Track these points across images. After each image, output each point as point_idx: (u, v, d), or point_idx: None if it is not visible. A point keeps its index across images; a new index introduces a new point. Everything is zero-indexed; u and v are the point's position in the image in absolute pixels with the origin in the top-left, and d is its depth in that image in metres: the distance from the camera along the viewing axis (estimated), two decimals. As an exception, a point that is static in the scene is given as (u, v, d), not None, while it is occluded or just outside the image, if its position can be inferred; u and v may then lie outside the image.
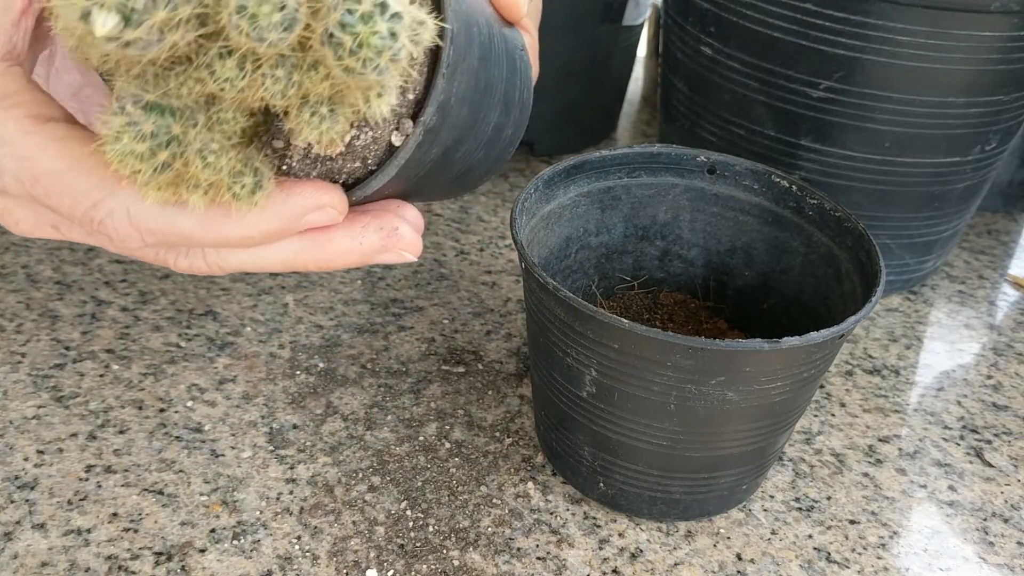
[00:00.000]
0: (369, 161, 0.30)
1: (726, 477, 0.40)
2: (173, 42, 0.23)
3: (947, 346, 0.58)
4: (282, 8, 0.23)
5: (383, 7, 0.23)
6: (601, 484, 0.42)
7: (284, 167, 0.29)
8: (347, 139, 0.28)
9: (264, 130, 0.29)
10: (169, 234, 0.28)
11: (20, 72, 0.28)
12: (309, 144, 0.28)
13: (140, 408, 0.46)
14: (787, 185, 0.46)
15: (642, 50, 0.93)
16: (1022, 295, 0.64)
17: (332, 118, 0.25)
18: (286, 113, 0.26)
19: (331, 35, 0.23)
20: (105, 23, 0.22)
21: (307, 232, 0.30)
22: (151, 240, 0.29)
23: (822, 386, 0.53)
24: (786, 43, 0.51)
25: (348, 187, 0.31)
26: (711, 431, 0.38)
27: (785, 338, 0.34)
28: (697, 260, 0.49)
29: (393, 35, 0.23)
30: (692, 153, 0.47)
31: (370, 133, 0.28)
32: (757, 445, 0.40)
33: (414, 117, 0.30)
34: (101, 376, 0.48)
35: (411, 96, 0.29)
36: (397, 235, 0.31)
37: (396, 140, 0.29)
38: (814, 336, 0.35)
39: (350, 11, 0.23)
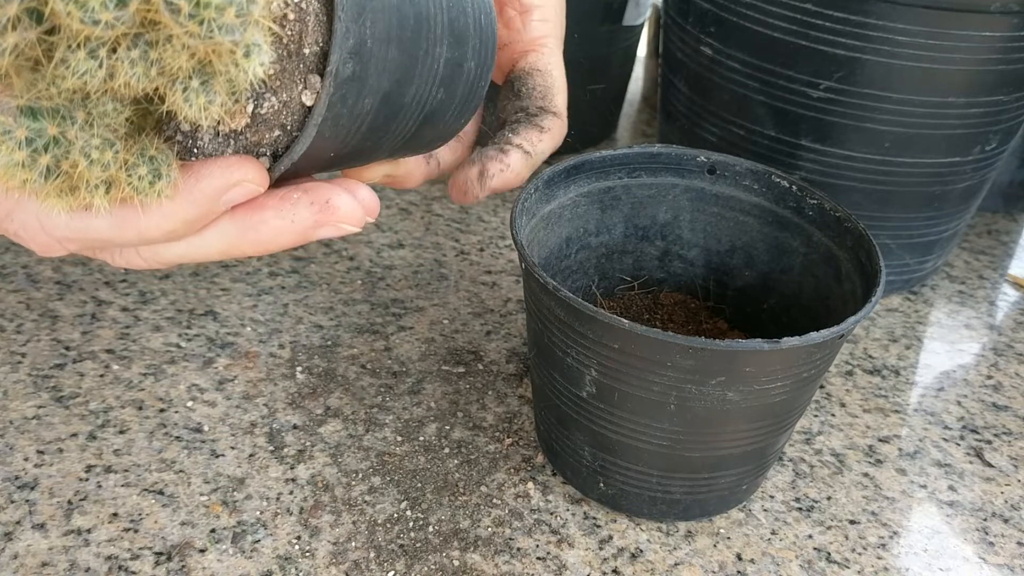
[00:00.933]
0: (289, 127, 0.28)
1: (726, 477, 0.40)
2: (14, 44, 0.22)
3: (947, 346, 0.58)
4: None
5: None
6: (601, 484, 0.42)
7: (196, 150, 0.28)
8: (249, 109, 0.26)
9: (166, 115, 0.27)
10: (87, 239, 0.27)
11: None
12: (173, 132, 0.27)
13: (140, 408, 0.46)
14: (787, 185, 0.46)
15: (642, 50, 0.93)
16: (1022, 295, 0.64)
17: (206, 91, 0.24)
18: (161, 98, 0.24)
19: (167, 1, 0.21)
20: None
21: (236, 215, 0.29)
22: (72, 247, 0.27)
23: (822, 386, 0.53)
24: (786, 43, 0.51)
25: (278, 159, 0.29)
26: (711, 431, 0.38)
27: (785, 338, 0.34)
28: (697, 260, 0.50)
29: None
30: (692, 153, 0.47)
31: (274, 98, 0.27)
32: (757, 445, 0.40)
33: (323, 71, 0.27)
34: (101, 376, 0.48)
35: (313, 49, 0.27)
36: (330, 207, 0.29)
37: (307, 99, 0.27)
38: (814, 336, 0.35)
39: None
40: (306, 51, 0.27)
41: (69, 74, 0.22)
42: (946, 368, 0.56)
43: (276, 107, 0.27)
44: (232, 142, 0.28)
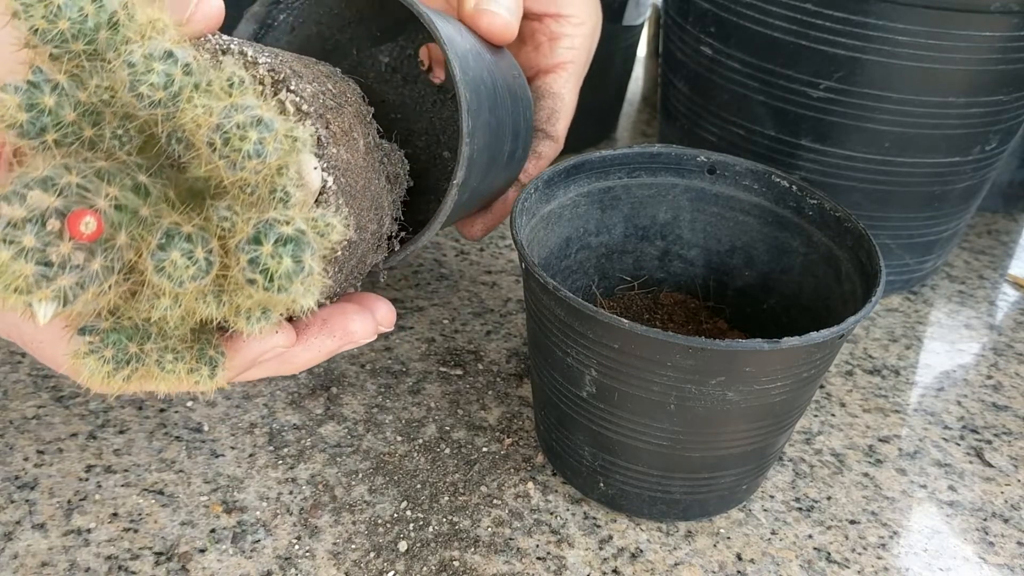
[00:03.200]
0: (330, 296, 0.34)
1: (726, 477, 0.40)
2: (108, 300, 0.26)
3: (947, 346, 0.58)
4: (194, 261, 0.26)
5: (285, 241, 0.26)
6: (601, 484, 0.42)
7: None
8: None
9: None
10: (143, 392, 0.32)
11: None
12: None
13: (140, 408, 0.46)
14: (787, 185, 0.46)
15: (642, 50, 0.93)
16: (1022, 295, 0.64)
17: (267, 318, 0.28)
18: (224, 319, 0.28)
19: (244, 274, 0.26)
20: (46, 314, 0.25)
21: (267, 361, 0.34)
22: (130, 394, 0.32)
23: (822, 386, 0.53)
24: (786, 43, 0.51)
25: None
26: (711, 431, 0.38)
27: (785, 338, 0.34)
28: (697, 260, 0.49)
29: (298, 260, 0.26)
30: (692, 153, 0.47)
31: (331, 273, 0.33)
32: (757, 445, 0.40)
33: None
34: (101, 376, 0.48)
35: (380, 223, 0.36)
36: (348, 334, 0.34)
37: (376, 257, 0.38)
38: (814, 336, 0.35)
39: (256, 253, 0.26)
40: (338, 252, 0.32)
41: (153, 312, 0.27)
42: (946, 368, 0.56)
43: (313, 308, 0.32)
44: None
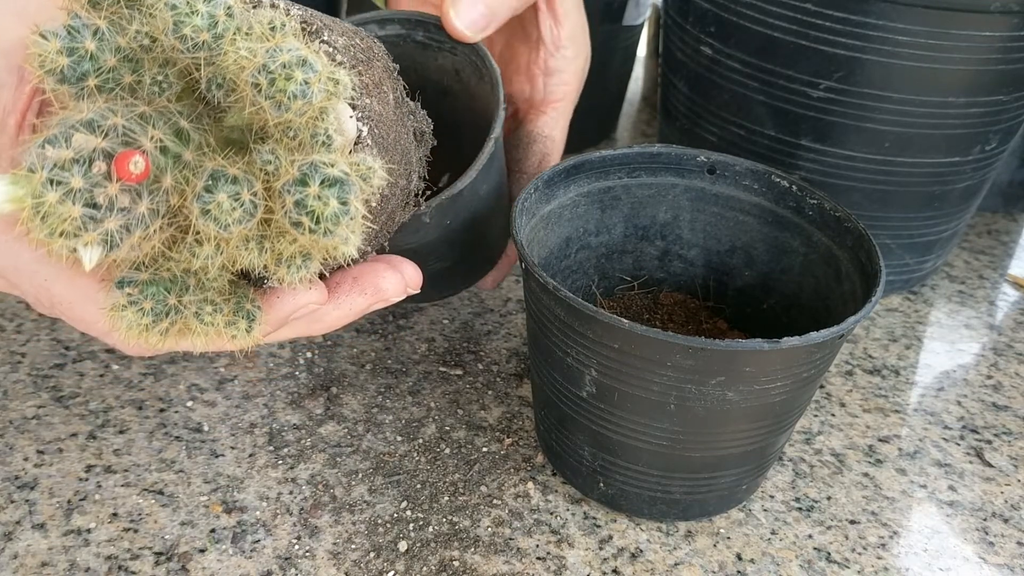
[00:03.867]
0: (376, 227, 0.34)
1: (726, 477, 0.40)
2: (152, 246, 0.26)
3: (947, 346, 0.58)
4: (240, 204, 0.25)
5: (331, 183, 0.26)
6: (601, 484, 0.42)
7: (269, 279, 0.32)
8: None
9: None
10: (176, 350, 0.32)
11: None
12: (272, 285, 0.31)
13: (140, 408, 0.46)
14: (787, 185, 0.46)
15: (642, 50, 0.92)
16: (1022, 295, 0.64)
17: (307, 266, 0.28)
18: (265, 268, 0.28)
19: (290, 216, 0.26)
20: (92, 258, 0.24)
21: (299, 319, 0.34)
22: (161, 353, 0.32)
23: (822, 386, 0.53)
24: (786, 43, 0.51)
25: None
26: (711, 431, 0.38)
27: (785, 338, 0.34)
28: (697, 260, 0.49)
29: (344, 203, 0.26)
30: (692, 153, 0.47)
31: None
32: (757, 445, 0.40)
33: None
34: (101, 376, 0.48)
35: (392, 203, 0.34)
36: (380, 291, 0.34)
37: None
38: (814, 336, 0.35)
39: (302, 194, 0.26)
40: (373, 203, 0.32)
41: (195, 260, 0.27)
42: (946, 368, 0.56)
43: (354, 256, 0.31)
44: None
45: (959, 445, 0.50)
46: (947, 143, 0.53)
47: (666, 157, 0.47)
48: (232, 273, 0.29)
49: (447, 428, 0.47)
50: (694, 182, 0.48)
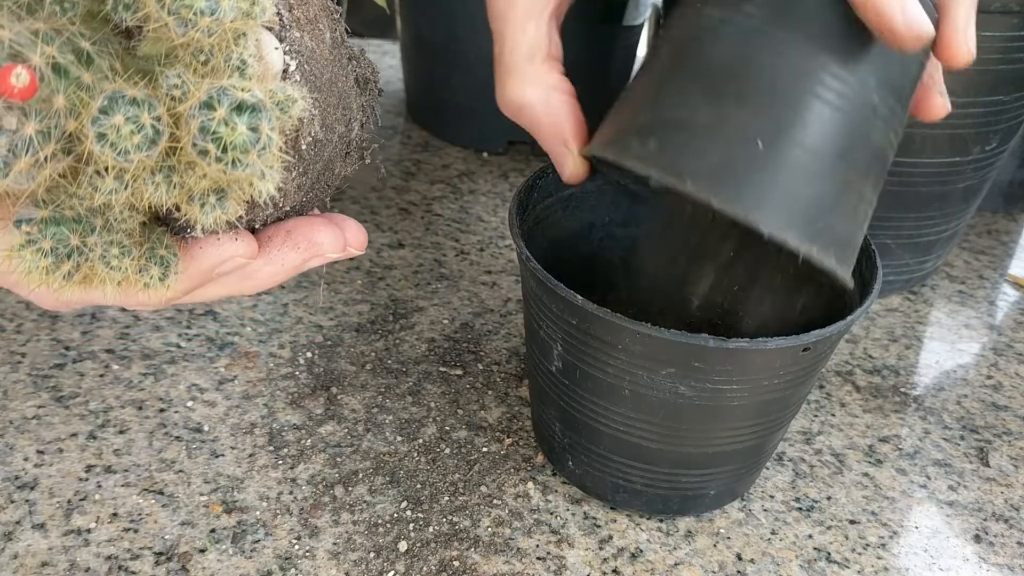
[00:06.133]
0: (281, 205, 0.31)
1: (687, 477, 0.40)
2: (45, 175, 0.24)
3: (947, 346, 0.58)
4: (140, 129, 0.23)
5: (240, 107, 0.24)
6: (570, 462, 0.42)
7: (191, 228, 0.30)
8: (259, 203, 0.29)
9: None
10: (91, 304, 0.30)
11: None
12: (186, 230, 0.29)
13: (140, 408, 0.46)
14: None
15: (642, 50, 0.92)
16: (1022, 295, 0.64)
17: (222, 205, 0.26)
18: (177, 207, 0.26)
19: (195, 144, 0.24)
20: None
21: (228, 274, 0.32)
22: (77, 307, 0.30)
23: (822, 386, 0.53)
24: (786, 43, 0.51)
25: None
26: (667, 424, 0.38)
27: (733, 339, 0.34)
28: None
29: (255, 130, 0.24)
30: None
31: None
32: (719, 449, 0.39)
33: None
34: (101, 376, 0.48)
35: (307, 140, 0.31)
36: (314, 245, 0.32)
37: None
38: (766, 341, 0.34)
39: (208, 118, 0.24)
40: (302, 146, 0.30)
41: (96, 194, 0.25)
42: (946, 368, 0.56)
43: (273, 197, 0.29)
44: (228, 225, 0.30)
45: (959, 445, 0.50)
46: (947, 143, 0.53)
47: None
48: (144, 215, 0.27)
49: (447, 428, 0.47)
50: None
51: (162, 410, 0.46)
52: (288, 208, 0.32)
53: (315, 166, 0.32)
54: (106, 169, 0.24)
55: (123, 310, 0.52)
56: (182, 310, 0.53)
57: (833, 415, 0.51)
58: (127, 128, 0.23)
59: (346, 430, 0.46)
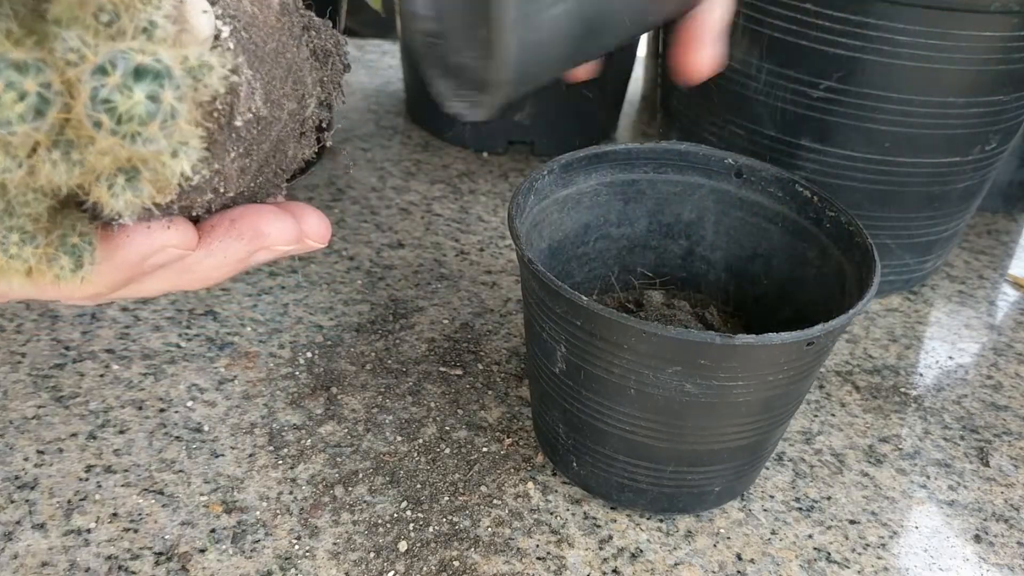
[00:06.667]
0: (222, 189, 0.28)
1: (693, 474, 0.40)
2: None
3: (947, 346, 0.58)
4: (23, 96, 0.21)
5: (139, 73, 0.21)
6: (574, 464, 0.42)
7: (118, 216, 0.27)
8: (175, 185, 0.25)
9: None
10: (10, 298, 0.27)
11: None
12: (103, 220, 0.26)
13: (140, 408, 0.46)
14: (809, 195, 0.45)
15: (642, 50, 0.92)
16: (1022, 295, 0.64)
17: (133, 187, 0.23)
18: (84, 190, 0.23)
19: (88, 114, 0.21)
20: None
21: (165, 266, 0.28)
22: (9, 301, 0.26)
23: (822, 386, 0.53)
24: (786, 43, 0.51)
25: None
26: (673, 422, 0.38)
27: (739, 335, 0.34)
28: (719, 263, 0.49)
29: (154, 98, 0.21)
30: (720, 155, 0.47)
31: (205, 171, 0.26)
32: (726, 445, 0.39)
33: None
34: (101, 376, 0.48)
35: (246, 116, 0.28)
36: (259, 235, 0.29)
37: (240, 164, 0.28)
38: (771, 337, 0.34)
39: (101, 84, 0.21)
40: (238, 122, 0.27)
41: None
42: (946, 368, 0.56)
43: (207, 176, 0.26)
44: (158, 210, 0.27)
45: (959, 445, 0.50)
46: (947, 143, 0.53)
47: (694, 156, 0.47)
48: (53, 198, 0.24)
49: (447, 428, 0.47)
50: (721, 184, 0.48)
51: (162, 410, 0.46)
52: (233, 194, 0.29)
53: (260, 147, 0.29)
54: None
55: (123, 310, 0.52)
56: (182, 310, 0.53)
57: (833, 415, 0.51)
58: (8, 95, 0.20)
59: (346, 430, 0.46)
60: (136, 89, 0.21)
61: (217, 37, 0.25)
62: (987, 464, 0.48)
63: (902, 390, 0.53)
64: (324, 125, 0.33)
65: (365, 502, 0.42)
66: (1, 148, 0.21)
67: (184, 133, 0.22)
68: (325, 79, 0.33)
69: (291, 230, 0.29)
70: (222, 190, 0.28)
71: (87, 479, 0.42)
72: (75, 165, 0.22)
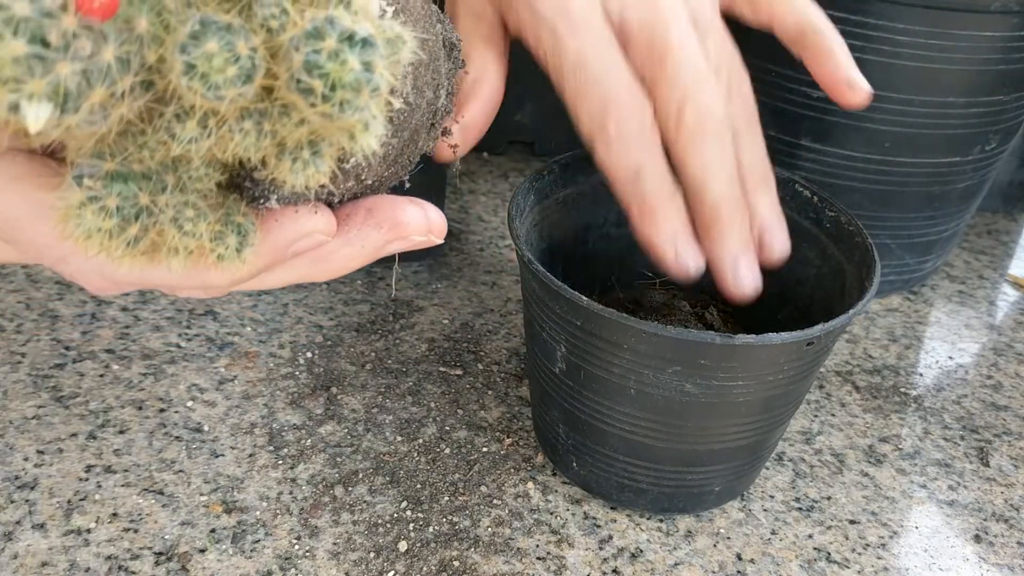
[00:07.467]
0: (363, 178, 0.28)
1: (693, 474, 0.40)
2: (120, 115, 0.20)
3: (947, 346, 0.58)
4: (236, 60, 0.20)
5: (351, 38, 0.20)
6: (574, 464, 0.42)
7: (264, 199, 0.26)
8: (361, 160, 0.26)
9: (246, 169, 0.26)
10: (148, 285, 0.26)
11: None
12: (264, 201, 0.26)
13: (140, 408, 0.46)
14: (809, 195, 0.45)
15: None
16: (1022, 295, 0.64)
17: (316, 161, 0.23)
18: (263, 163, 0.23)
19: (298, 80, 0.20)
20: (38, 117, 0.19)
21: (301, 256, 0.28)
22: (129, 289, 0.27)
23: (822, 386, 0.53)
24: (786, 43, 0.51)
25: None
26: (673, 422, 0.38)
27: (739, 335, 0.34)
28: None
29: (368, 67, 0.20)
30: None
31: (360, 156, 0.25)
32: (726, 445, 0.39)
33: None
34: (101, 376, 0.48)
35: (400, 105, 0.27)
36: (398, 225, 0.28)
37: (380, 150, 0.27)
38: (771, 337, 0.34)
39: (315, 50, 0.20)
40: (397, 104, 0.26)
41: (174, 142, 0.21)
42: (946, 368, 0.56)
43: (360, 163, 0.26)
44: (307, 194, 0.27)
45: (959, 445, 0.50)
46: (947, 143, 0.53)
47: None
48: (222, 173, 0.24)
49: (447, 428, 0.47)
50: None
51: (162, 410, 0.46)
52: (369, 182, 0.28)
53: (401, 134, 0.28)
54: (190, 110, 0.21)
55: (123, 309, 0.52)
56: (182, 310, 0.53)
57: (833, 415, 0.51)
58: (220, 58, 0.20)
59: (346, 430, 0.46)
60: (351, 56, 0.20)
61: (381, 17, 0.24)
62: (987, 464, 0.48)
63: (902, 390, 0.53)
64: (447, 110, 0.33)
65: (365, 502, 0.42)
66: (194, 117, 0.21)
67: (380, 106, 0.21)
68: (451, 71, 0.33)
69: (424, 220, 0.29)
70: (363, 177, 0.27)
71: (87, 479, 0.42)
72: (265, 136, 0.22)
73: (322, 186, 0.25)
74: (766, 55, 0.53)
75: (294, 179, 0.23)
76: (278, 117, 0.21)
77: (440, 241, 0.30)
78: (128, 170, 0.22)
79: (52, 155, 0.24)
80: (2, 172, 0.24)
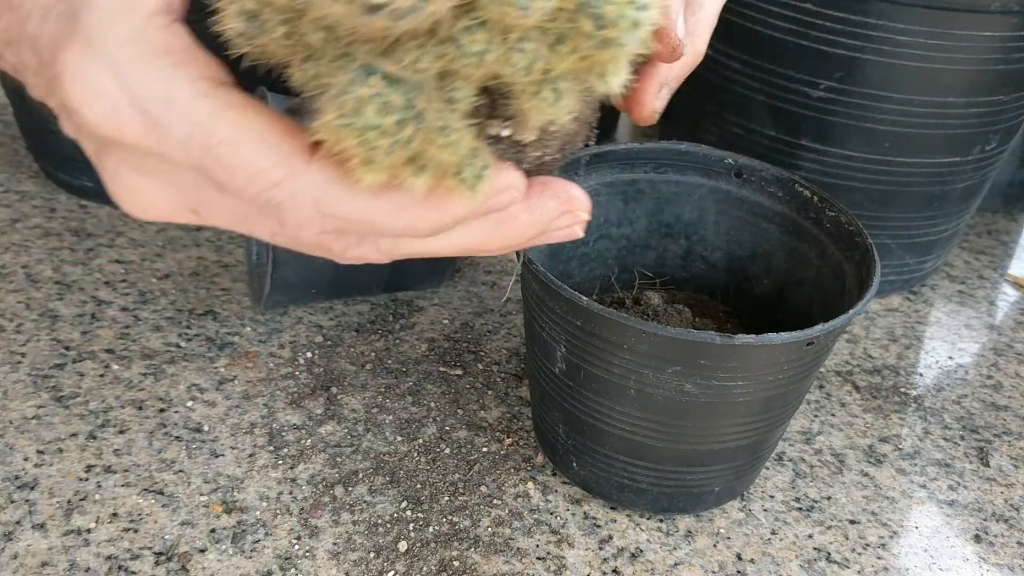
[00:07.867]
0: (550, 150, 0.28)
1: (694, 474, 0.40)
2: (432, 11, 0.21)
3: (947, 346, 0.58)
4: None
5: None
6: (574, 464, 0.42)
7: (508, 131, 0.27)
8: (595, 101, 0.27)
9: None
10: (356, 222, 0.26)
11: (183, 29, 0.25)
12: (500, 132, 0.26)
13: (140, 408, 0.46)
14: (809, 195, 0.45)
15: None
16: (1022, 295, 0.64)
17: (566, 96, 0.24)
18: (513, 94, 0.24)
19: (588, 5, 0.22)
20: None
21: (487, 215, 0.28)
22: (332, 227, 0.26)
23: (822, 386, 0.53)
24: (786, 43, 0.51)
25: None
26: (673, 422, 0.38)
27: (739, 335, 0.34)
28: (719, 263, 0.49)
29: (642, 7, 0.22)
30: (720, 155, 0.47)
31: (568, 119, 0.27)
32: (726, 445, 0.39)
33: None
34: (101, 376, 0.48)
35: None
36: (572, 198, 0.29)
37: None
38: (771, 337, 0.34)
39: None
40: None
41: (457, 53, 0.22)
42: (946, 368, 0.56)
43: (565, 127, 0.27)
44: (506, 151, 0.27)
45: (959, 445, 0.50)
46: (947, 143, 0.53)
47: (693, 156, 0.47)
48: (480, 96, 0.24)
49: (447, 428, 0.47)
50: (720, 184, 0.48)
51: (162, 410, 0.46)
52: (549, 159, 0.29)
53: (584, 111, 0.29)
54: (481, 25, 0.22)
55: (123, 309, 0.52)
56: (182, 310, 0.53)
57: (833, 415, 0.51)
58: None
59: (346, 430, 0.46)
60: None
61: None
62: (987, 464, 0.48)
63: (902, 390, 0.53)
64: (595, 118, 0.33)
65: (365, 502, 0.42)
66: (488, 34, 0.21)
67: (643, 43, 0.23)
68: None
69: (586, 200, 0.29)
70: (546, 153, 0.28)
71: (87, 479, 0.42)
72: (537, 60, 0.22)
73: (520, 144, 0.26)
74: (766, 55, 0.53)
75: (541, 112, 0.24)
76: (554, 44, 0.22)
77: (588, 218, 0.30)
78: (403, 78, 0.22)
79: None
80: (223, 99, 0.24)
